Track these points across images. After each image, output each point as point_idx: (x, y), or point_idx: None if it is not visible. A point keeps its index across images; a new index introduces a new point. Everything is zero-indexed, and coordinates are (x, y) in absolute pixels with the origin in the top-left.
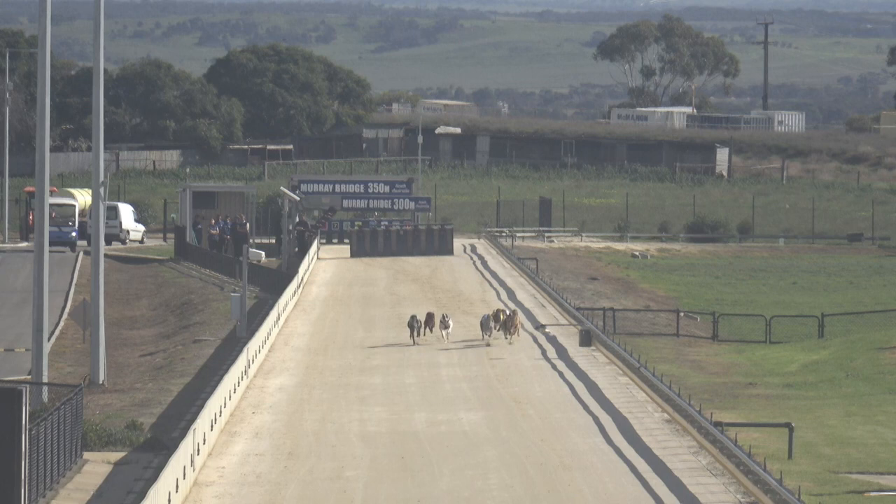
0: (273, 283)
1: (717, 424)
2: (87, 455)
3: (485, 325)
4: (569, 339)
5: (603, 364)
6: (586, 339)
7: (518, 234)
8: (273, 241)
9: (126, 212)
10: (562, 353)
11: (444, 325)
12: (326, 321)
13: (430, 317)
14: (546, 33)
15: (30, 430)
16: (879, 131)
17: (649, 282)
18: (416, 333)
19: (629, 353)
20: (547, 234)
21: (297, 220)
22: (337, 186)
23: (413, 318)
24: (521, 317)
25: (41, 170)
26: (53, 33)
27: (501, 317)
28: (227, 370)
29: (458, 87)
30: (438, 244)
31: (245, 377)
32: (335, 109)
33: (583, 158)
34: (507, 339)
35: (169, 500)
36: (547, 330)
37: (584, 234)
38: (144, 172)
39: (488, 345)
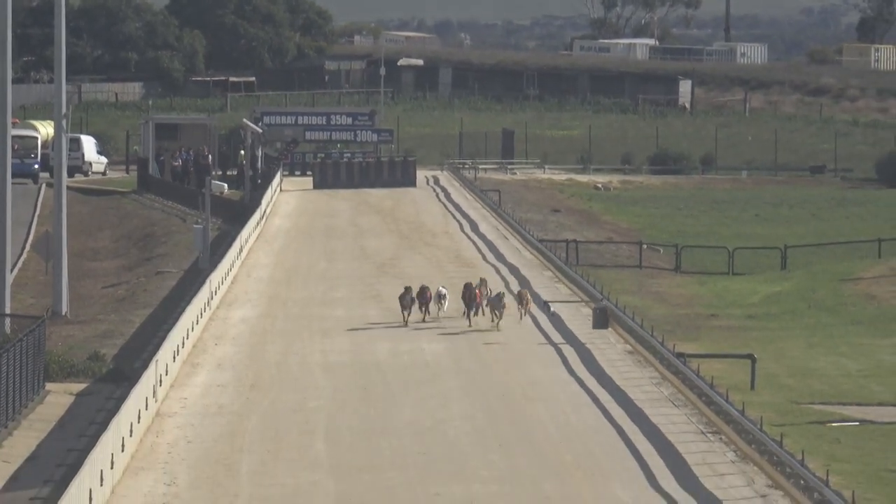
0: (236, 214)
1: (680, 355)
2: (49, 386)
3: (496, 303)
4: (531, 270)
5: (566, 296)
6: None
7: (480, 167)
8: (235, 173)
9: (88, 144)
10: (525, 284)
11: (440, 298)
12: (289, 253)
13: (423, 291)
14: None
15: None
16: (841, 63)
17: (612, 214)
18: (408, 312)
19: (591, 285)
20: (509, 167)
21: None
22: (299, 118)
23: (407, 290)
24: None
25: (2, 102)
26: None
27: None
28: (189, 302)
29: (420, 18)
30: (401, 176)
31: (208, 308)
32: (297, 41)
33: (545, 90)
34: (492, 320)
35: (131, 431)
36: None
37: (546, 167)
38: (106, 105)
39: (498, 329)
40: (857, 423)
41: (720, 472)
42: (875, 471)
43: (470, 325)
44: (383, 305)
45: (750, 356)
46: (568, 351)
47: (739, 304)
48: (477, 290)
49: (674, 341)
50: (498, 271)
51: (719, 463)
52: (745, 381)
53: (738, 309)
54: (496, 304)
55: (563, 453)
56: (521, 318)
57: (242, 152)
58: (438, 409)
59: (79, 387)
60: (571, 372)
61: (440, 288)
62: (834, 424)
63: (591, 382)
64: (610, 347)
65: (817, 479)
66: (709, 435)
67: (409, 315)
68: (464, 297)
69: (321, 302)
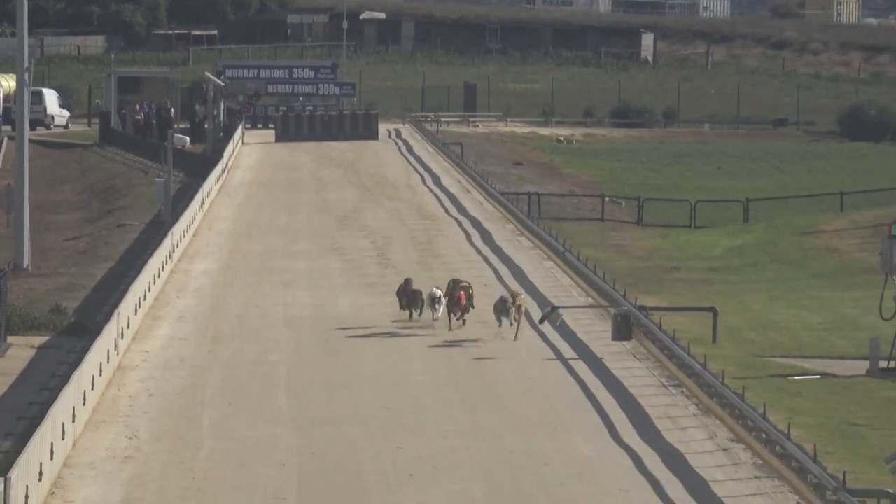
0: (197, 167)
1: (642, 308)
2: (10, 339)
3: (500, 308)
4: (493, 223)
5: (527, 248)
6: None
7: (443, 120)
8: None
9: (51, 97)
10: (487, 237)
11: (434, 301)
12: (251, 206)
13: (409, 287)
14: None
15: None
16: (804, 17)
17: (574, 167)
18: (413, 309)
19: (554, 238)
20: (472, 120)
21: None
22: (262, 72)
23: (407, 283)
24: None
25: None
26: None
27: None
28: (151, 254)
29: None
30: (363, 129)
31: (169, 261)
32: None
33: (507, 44)
34: (457, 319)
35: (93, 384)
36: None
37: (509, 120)
38: (69, 58)
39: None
40: (819, 377)
41: (682, 426)
42: (836, 424)
43: (450, 329)
44: (345, 258)
45: (712, 309)
46: (530, 304)
47: (701, 257)
48: (462, 293)
49: (636, 294)
50: (460, 224)
51: (681, 416)
52: (706, 334)
53: (700, 262)
54: (502, 309)
55: (526, 408)
56: (514, 335)
57: (198, 107)
58: (400, 364)
59: (40, 340)
60: (534, 326)
61: (434, 290)
62: (795, 378)
63: (553, 336)
64: (572, 301)
65: (779, 433)
66: (670, 388)
67: (418, 314)
68: (449, 297)
69: (283, 255)
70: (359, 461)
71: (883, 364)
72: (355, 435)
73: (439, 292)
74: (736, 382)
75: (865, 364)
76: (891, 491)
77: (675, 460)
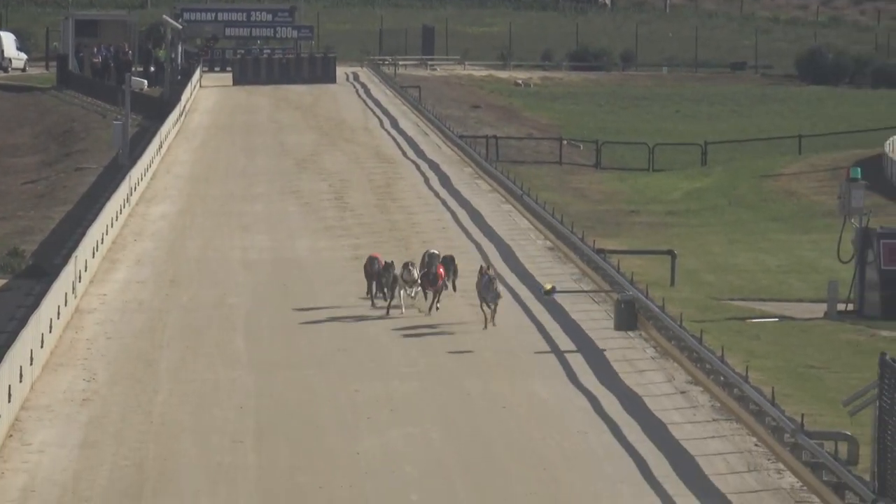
0: (155, 110)
1: (600, 252)
2: None
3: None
4: (451, 167)
5: (485, 192)
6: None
7: (401, 63)
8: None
9: (8, 40)
10: (445, 180)
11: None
12: (209, 149)
13: (387, 266)
14: None
15: None
16: None
17: (532, 110)
18: (385, 292)
19: (512, 181)
20: (430, 63)
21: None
22: (219, 15)
23: (372, 262)
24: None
25: None
26: None
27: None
28: (109, 198)
29: None
30: (321, 72)
31: (127, 205)
32: None
33: None
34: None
35: (50, 327)
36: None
37: (466, 63)
38: (26, 1)
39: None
40: (777, 320)
41: (640, 369)
42: (794, 367)
43: (429, 312)
44: (303, 201)
45: (670, 252)
46: (487, 246)
47: (660, 200)
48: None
49: (594, 237)
50: (418, 167)
51: (639, 359)
52: (665, 277)
53: (659, 205)
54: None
55: (483, 350)
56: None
57: (153, 48)
58: (359, 307)
59: None
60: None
61: (409, 267)
62: (754, 321)
63: (512, 279)
64: (530, 244)
65: (737, 376)
66: (629, 331)
67: (389, 299)
68: (425, 274)
69: (241, 198)
70: (316, 404)
71: (841, 307)
72: (313, 378)
73: (416, 272)
74: (694, 325)
75: (823, 307)
76: (849, 433)
77: (632, 403)
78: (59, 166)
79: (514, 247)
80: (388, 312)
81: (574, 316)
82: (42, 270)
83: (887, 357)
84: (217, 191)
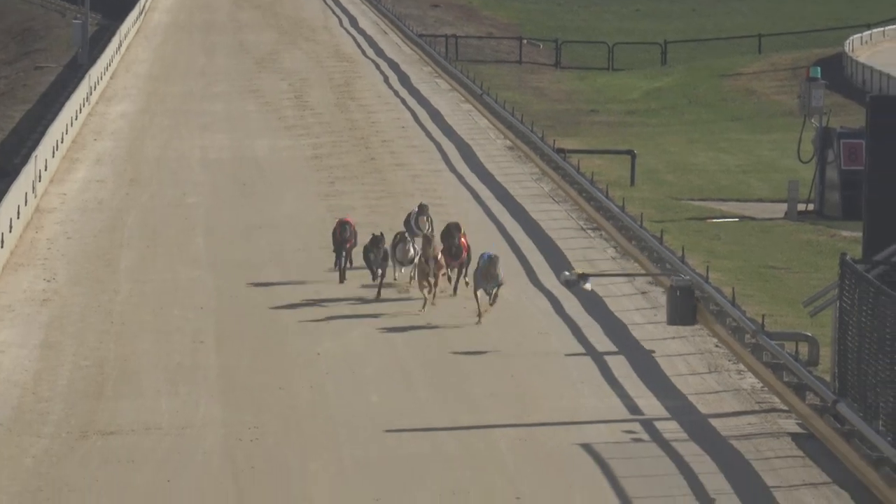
0: (115, 9)
1: (560, 151)
2: None
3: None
4: (411, 66)
5: (445, 91)
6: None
7: None
8: None
9: None
10: (404, 79)
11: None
12: (168, 48)
13: (375, 240)
14: None
15: None
16: None
17: (491, 9)
18: (375, 271)
19: (472, 80)
20: None
21: None
22: None
23: (343, 228)
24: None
25: None
26: None
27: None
28: (68, 97)
29: None
30: None
31: (87, 104)
32: None
33: None
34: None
35: (10, 227)
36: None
37: None
38: None
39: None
40: (737, 220)
41: (600, 269)
42: (754, 267)
43: (432, 303)
44: (262, 100)
45: (630, 152)
46: (447, 146)
47: (619, 99)
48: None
49: (554, 137)
50: (378, 66)
51: (600, 259)
52: (624, 176)
53: (619, 105)
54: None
55: None
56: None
57: None
58: (317, 204)
59: None
60: (451, 168)
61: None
62: (714, 220)
63: (472, 178)
64: (490, 143)
65: (697, 276)
66: (589, 231)
67: (380, 279)
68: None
69: (200, 97)
70: (276, 303)
71: (801, 207)
72: (273, 277)
73: (412, 248)
74: (654, 225)
75: (784, 207)
76: (809, 334)
77: (593, 304)
78: (19, 65)
79: (474, 146)
80: (379, 294)
81: (535, 216)
82: (3, 170)
83: (848, 257)
84: (177, 90)
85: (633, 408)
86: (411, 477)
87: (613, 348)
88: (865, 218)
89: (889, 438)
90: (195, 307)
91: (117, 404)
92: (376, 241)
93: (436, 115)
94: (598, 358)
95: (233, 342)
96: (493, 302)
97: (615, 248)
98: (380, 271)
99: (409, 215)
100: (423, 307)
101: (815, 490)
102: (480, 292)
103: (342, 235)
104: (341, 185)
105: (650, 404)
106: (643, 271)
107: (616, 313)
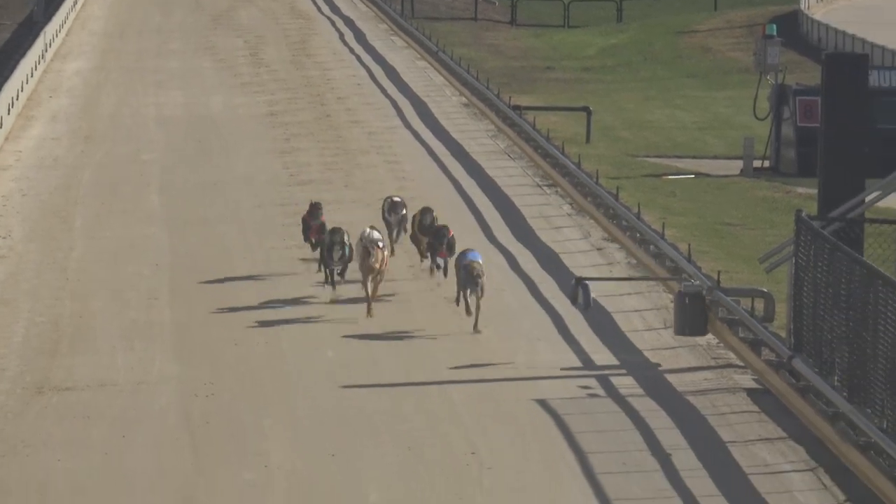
0: None
1: (516, 108)
2: None
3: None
4: (366, 23)
5: (401, 48)
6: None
7: None
8: None
9: None
10: (360, 37)
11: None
12: (123, 5)
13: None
14: None
15: None
16: None
17: None
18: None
19: (427, 37)
20: None
21: None
22: None
23: (314, 211)
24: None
25: None
26: None
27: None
28: (23, 54)
29: None
30: None
31: (42, 61)
32: None
33: None
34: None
35: None
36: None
37: None
38: None
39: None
40: (693, 176)
41: (556, 226)
42: (710, 224)
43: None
44: (217, 58)
45: (586, 109)
46: (403, 103)
47: (575, 56)
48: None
49: (509, 94)
50: (333, 24)
51: (555, 216)
52: (580, 133)
53: (574, 61)
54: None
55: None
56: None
57: None
58: (273, 161)
59: None
60: (407, 125)
61: (370, 232)
62: (670, 177)
63: (427, 135)
64: (445, 100)
65: (653, 232)
66: (545, 188)
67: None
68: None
69: (155, 54)
70: (231, 261)
71: (757, 163)
72: (228, 234)
73: (377, 234)
74: (610, 182)
75: (739, 164)
76: (765, 290)
77: (549, 259)
78: None
79: (430, 103)
80: (333, 288)
81: (490, 173)
82: None
83: (803, 214)
84: (132, 47)
85: (589, 363)
86: (367, 432)
87: (569, 304)
88: (821, 175)
89: (844, 394)
90: (150, 264)
91: (73, 360)
92: (335, 232)
93: (391, 72)
94: (553, 314)
95: (188, 299)
96: (474, 311)
97: (571, 204)
98: (331, 263)
99: (387, 204)
100: (369, 312)
101: (771, 445)
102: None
103: (312, 219)
104: (297, 141)
105: (606, 360)
106: (650, 276)
107: (572, 269)
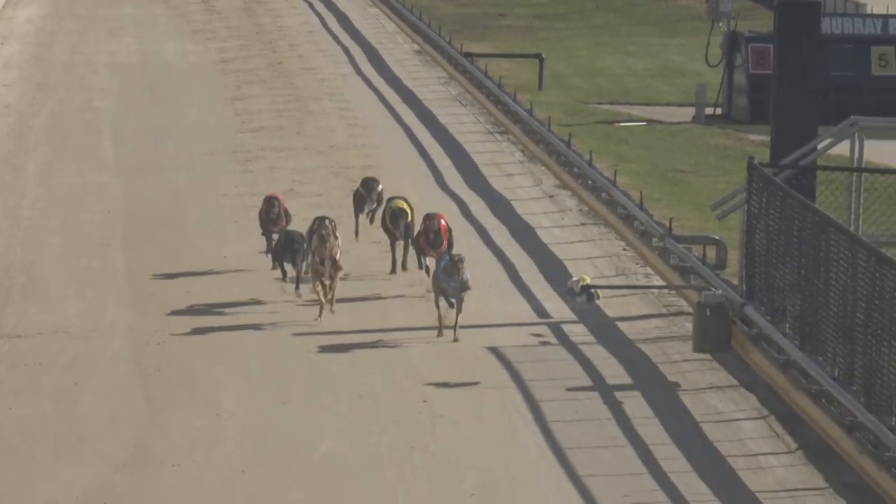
0: None
1: (467, 55)
2: None
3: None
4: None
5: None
6: None
7: None
8: None
9: None
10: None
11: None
12: None
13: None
14: None
15: None
16: None
17: None
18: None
19: None
20: None
21: None
22: None
23: (270, 206)
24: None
25: None
26: None
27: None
28: None
29: None
30: None
31: None
32: None
33: None
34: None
35: None
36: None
37: None
38: None
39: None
40: (645, 123)
41: (508, 173)
42: (662, 171)
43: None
44: (170, 5)
45: (538, 56)
46: (354, 50)
47: (527, 3)
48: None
49: (461, 41)
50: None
51: (507, 163)
52: (532, 80)
53: (526, 8)
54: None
55: (351, 157)
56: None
57: None
58: (225, 108)
59: None
60: (358, 71)
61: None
62: (622, 124)
63: (379, 82)
64: (397, 47)
65: (605, 180)
66: (497, 135)
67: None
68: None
69: (108, 2)
70: (183, 208)
71: (709, 111)
72: (180, 182)
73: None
74: (562, 129)
75: (691, 111)
76: (717, 237)
77: (501, 207)
78: None
79: (382, 50)
80: (297, 287)
81: (443, 120)
82: None
83: (755, 161)
84: None
85: (541, 311)
86: (320, 381)
87: (521, 251)
88: (773, 122)
89: (796, 342)
90: (102, 211)
91: (24, 308)
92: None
93: (343, 19)
94: (505, 261)
95: (140, 246)
96: (457, 315)
97: (523, 151)
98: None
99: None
100: (319, 315)
101: (722, 393)
102: (442, 301)
103: (269, 214)
104: (248, 88)
105: (557, 307)
106: (664, 284)
107: (524, 216)
